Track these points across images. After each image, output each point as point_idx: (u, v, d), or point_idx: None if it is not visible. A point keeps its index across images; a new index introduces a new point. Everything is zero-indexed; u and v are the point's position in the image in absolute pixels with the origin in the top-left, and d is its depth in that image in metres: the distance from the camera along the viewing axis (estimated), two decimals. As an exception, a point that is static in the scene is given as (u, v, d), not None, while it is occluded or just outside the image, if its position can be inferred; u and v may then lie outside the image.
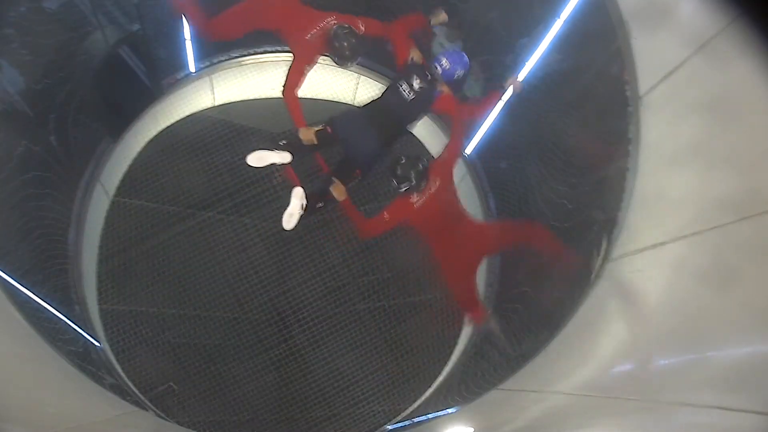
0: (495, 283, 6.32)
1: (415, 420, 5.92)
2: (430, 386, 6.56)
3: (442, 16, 4.56)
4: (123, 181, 6.55)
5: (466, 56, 4.43)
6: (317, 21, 4.52)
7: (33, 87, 5.18)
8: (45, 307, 4.84)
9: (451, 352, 6.70)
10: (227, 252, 6.60)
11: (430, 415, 5.67)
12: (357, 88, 7.03)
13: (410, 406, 6.48)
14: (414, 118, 4.48)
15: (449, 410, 5.27)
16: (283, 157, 4.25)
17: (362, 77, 6.88)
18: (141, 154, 6.69)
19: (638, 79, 3.70)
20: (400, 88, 4.31)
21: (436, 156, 4.76)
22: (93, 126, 5.84)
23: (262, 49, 6.67)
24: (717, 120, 2.98)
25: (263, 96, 7.07)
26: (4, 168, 4.90)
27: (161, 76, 6.04)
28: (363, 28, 4.51)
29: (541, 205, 5.64)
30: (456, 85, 4.41)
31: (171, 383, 6.38)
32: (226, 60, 6.56)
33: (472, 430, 4.47)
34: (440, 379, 6.51)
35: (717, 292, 2.75)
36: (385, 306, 6.94)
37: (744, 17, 2.29)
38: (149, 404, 5.90)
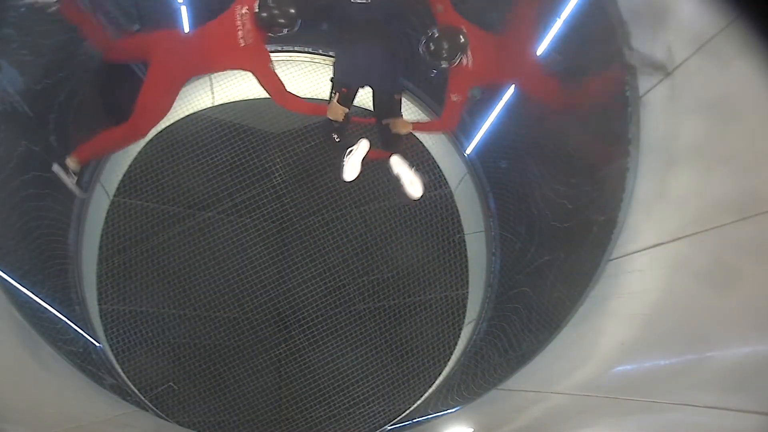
0: (495, 284, 6.32)
1: (415, 420, 5.92)
2: (430, 386, 6.56)
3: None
4: (123, 181, 6.55)
5: None
6: (230, 21, 4.04)
7: (33, 87, 5.18)
8: (45, 308, 4.83)
9: (451, 352, 6.70)
10: (227, 252, 6.61)
11: (430, 416, 5.67)
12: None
13: (410, 406, 6.48)
14: (390, 12, 4.12)
15: (449, 410, 5.27)
16: (363, 147, 4.11)
17: (362, 77, 6.88)
18: (141, 154, 6.69)
19: (638, 79, 3.70)
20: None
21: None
22: (93, 126, 5.84)
23: (262, 49, 6.67)
24: (717, 120, 2.98)
25: (263, 95, 7.05)
26: (4, 168, 4.90)
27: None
28: None
29: (541, 205, 5.64)
30: None
31: (171, 383, 6.38)
32: (226, 60, 6.57)
33: (472, 430, 4.47)
34: (440, 379, 6.51)
35: (717, 292, 2.75)
36: (385, 306, 6.94)
37: (744, 17, 2.29)
38: (149, 404, 5.90)
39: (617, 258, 3.85)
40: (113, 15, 5.28)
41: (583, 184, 4.94)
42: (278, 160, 6.75)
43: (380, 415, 6.62)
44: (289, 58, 6.76)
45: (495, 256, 6.40)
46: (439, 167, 7.19)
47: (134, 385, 5.99)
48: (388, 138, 4.16)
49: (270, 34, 3.99)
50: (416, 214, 7.10)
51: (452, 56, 3.93)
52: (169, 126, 6.80)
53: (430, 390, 6.47)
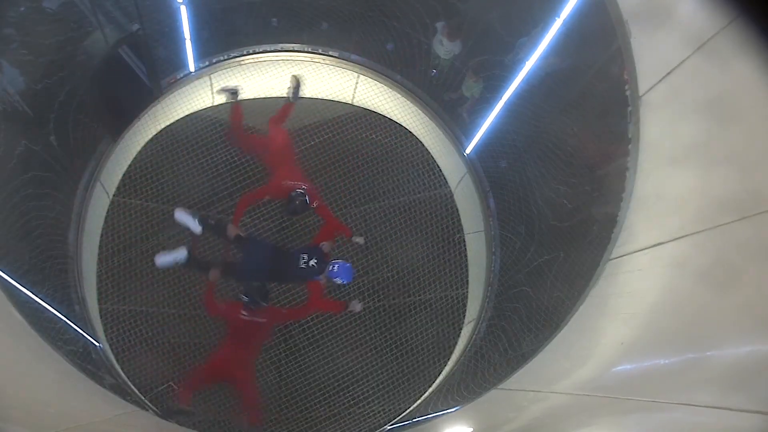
0: (495, 283, 6.32)
1: (415, 419, 5.92)
2: (429, 386, 6.56)
3: (359, 240, 6.06)
4: (123, 181, 6.55)
5: (352, 274, 5.57)
6: (294, 179, 5.77)
7: (33, 87, 5.18)
8: (45, 307, 4.84)
9: (451, 352, 6.70)
10: (227, 252, 6.59)
11: (430, 415, 5.68)
12: (356, 87, 7.04)
13: (410, 405, 6.49)
14: (293, 279, 5.90)
15: (449, 410, 5.27)
16: (195, 229, 5.41)
17: (362, 76, 6.89)
18: (141, 154, 6.69)
19: (638, 78, 3.70)
20: (301, 256, 5.50)
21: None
22: (93, 126, 5.84)
23: (261, 49, 6.68)
24: (717, 120, 2.97)
25: (262, 95, 7.07)
26: (5, 168, 4.90)
27: (161, 76, 6.04)
28: (315, 205, 5.77)
29: (541, 205, 5.65)
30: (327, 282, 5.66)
31: (171, 383, 6.38)
32: (225, 59, 6.57)
33: (472, 429, 4.47)
34: (440, 378, 6.52)
35: (717, 292, 2.75)
36: (385, 305, 6.94)
37: (744, 17, 2.28)
38: (149, 404, 5.90)
39: (617, 257, 3.85)
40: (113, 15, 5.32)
41: (582, 184, 4.95)
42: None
43: (380, 415, 6.62)
44: (289, 58, 6.77)
45: (495, 256, 6.41)
46: (438, 167, 7.20)
47: (134, 385, 5.99)
48: (208, 262, 5.60)
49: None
50: (416, 214, 7.11)
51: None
52: (169, 126, 6.80)
53: (430, 389, 6.48)
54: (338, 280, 5.52)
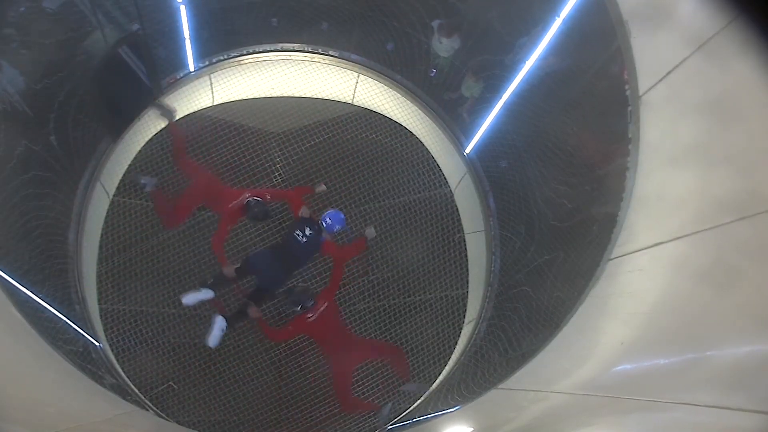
0: (495, 283, 6.32)
1: (415, 419, 5.92)
2: (430, 385, 6.56)
3: (321, 188, 6.22)
4: (123, 181, 6.55)
5: (343, 215, 5.86)
6: (237, 196, 5.96)
7: (33, 87, 5.18)
8: (45, 307, 4.84)
9: (451, 352, 6.70)
10: (227, 252, 6.59)
11: (430, 415, 5.67)
12: (356, 87, 7.04)
13: (410, 405, 6.48)
14: (307, 257, 5.85)
15: (449, 409, 5.27)
16: (207, 295, 5.55)
17: (362, 76, 6.89)
18: (141, 153, 6.69)
19: (638, 78, 3.70)
20: (296, 234, 5.69)
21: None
22: (93, 126, 5.84)
23: (261, 49, 6.68)
24: (717, 119, 2.97)
25: (262, 95, 7.07)
26: (5, 168, 4.91)
27: (161, 75, 6.04)
28: (269, 197, 6.02)
29: (541, 205, 5.65)
30: (333, 236, 5.90)
31: (171, 383, 6.38)
32: (225, 59, 6.57)
33: (472, 429, 4.47)
34: (440, 378, 6.51)
35: (716, 292, 2.75)
36: (385, 305, 6.95)
37: (744, 17, 2.28)
38: (149, 404, 5.90)
39: (617, 257, 3.85)
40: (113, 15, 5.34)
41: (582, 184, 4.95)
42: (278, 159, 6.76)
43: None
44: (289, 58, 6.77)
45: (495, 256, 6.40)
46: (438, 167, 7.20)
47: (134, 385, 6.00)
48: (240, 309, 5.66)
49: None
50: (416, 214, 7.11)
51: (299, 307, 5.61)
52: (169, 126, 6.80)
53: (430, 389, 6.47)
54: (337, 228, 5.80)
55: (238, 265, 5.69)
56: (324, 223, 5.78)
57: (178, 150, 6.29)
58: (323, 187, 6.23)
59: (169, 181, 6.69)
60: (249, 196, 5.91)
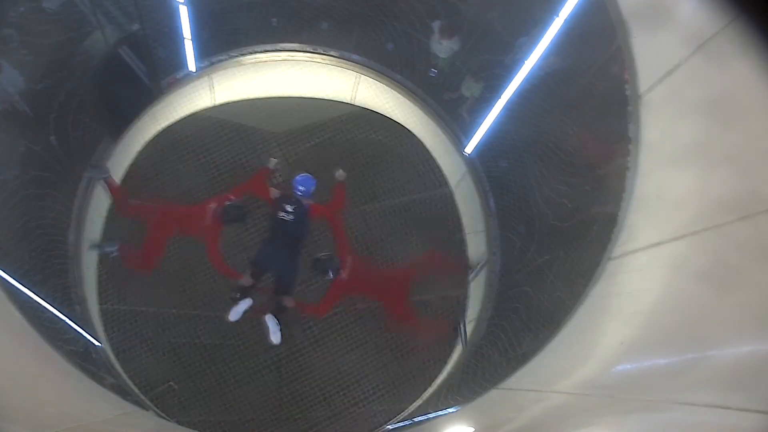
0: (495, 283, 6.32)
1: (416, 419, 5.92)
2: (430, 386, 6.56)
3: (273, 162, 6.00)
4: (123, 181, 6.54)
5: (309, 175, 5.71)
6: (203, 211, 5.77)
7: (33, 87, 5.19)
8: (45, 307, 4.84)
9: (451, 352, 6.70)
10: (227, 252, 6.59)
11: (430, 415, 5.68)
12: (357, 87, 7.04)
13: (410, 405, 6.48)
14: (302, 230, 5.78)
15: (449, 410, 5.27)
16: (249, 302, 5.64)
17: (362, 76, 6.89)
18: (141, 154, 6.69)
19: (638, 78, 3.70)
20: (281, 217, 5.64)
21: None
22: (93, 126, 5.84)
23: (261, 49, 6.68)
24: (717, 119, 2.97)
25: (262, 95, 7.08)
26: (5, 168, 4.91)
27: (161, 76, 6.05)
28: (234, 198, 5.87)
29: (541, 205, 5.65)
30: (313, 197, 5.76)
31: (171, 383, 6.38)
32: (225, 59, 6.57)
33: (473, 429, 4.47)
34: (440, 378, 6.51)
35: (716, 292, 2.74)
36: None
37: (743, 17, 2.28)
38: (149, 404, 5.90)
39: (617, 257, 3.85)
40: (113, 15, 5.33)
41: (583, 184, 4.95)
42: (278, 159, 6.75)
43: (380, 415, 6.62)
44: (289, 58, 6.77)
45: (495, 256, 6.40)
46: (439, 166, 7.20)
47: (134, 385, 6.00)
48: (276, 304, 5.76)
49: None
50: (416, 214, 7.10)
51: (330, 274, 5.64)
52: (169, 126, 6.81)
53: (431, 389, 6.47)
54: (312, 189, 5.67)
55: (250, 271, 5.71)
56: (299, 193, 5.66)
57: (118, 202, 6.09)
58: (342, 173, 5.95)
59: (169, 181, 6.69)
60: (215, 206, 5.72)
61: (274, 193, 5.79)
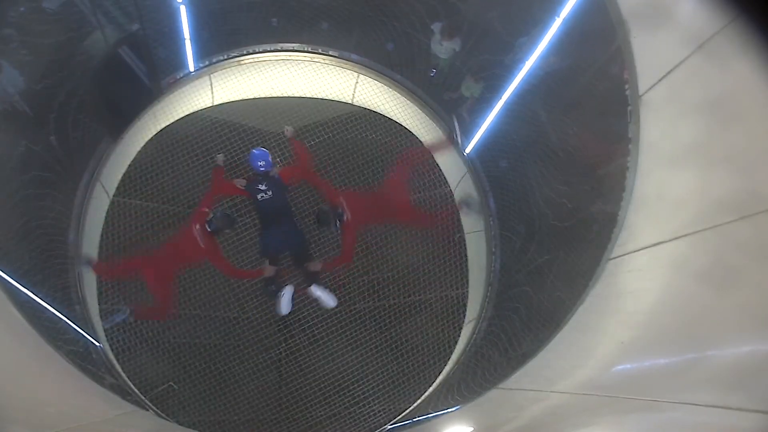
0: (495, 283, 6.32)
1: (416, 419, 5.92)
2: (430, 386, 6.56)
3: (220, 158, 6.09)
4: (123, 181, 6.55)
5: (262, 149, 5.89)
6: (192, 234, 5.66)
7: (33, 87, 5.18)
8: (45, 307, 4.84)
9: (451, 352, 6.70)
10: (227, 252, 6.60)
11: (430, 415, 5.68)
12: (356, 87, 7.04)
13: (410, 405, 6.49)
14: (285, 197, 5.91)
15: (449, 409, 5.27)
16: (291, 289, 5.85)
17: (362, 76, 6.89)
18: (141, 153, 6.69)
19: (638, 78, 3.70)
20: (261, 198, 5.74)
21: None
22: (93, 126, 5.85)
23: (261, 49, 6.68)
24: (717, 119, 2.97)
25: (262, 95, 7.07)
26: (5, 168, 4.91)
27: (161, 76, 6.05)
28: (207, 209, 5.77)
29: (541, 205, 5.65)
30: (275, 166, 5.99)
31: (171, 383, 6.38)
32: (225, 59, 6.58)
33: (472, 429, 4.47)
34: (440, 378, 6.52)
35: (716, 292, 2.75)
36: (385, 305, 6.95)
37: (743, 17, 2.28)
38: (149, 404, 5.90)
39: (617, 257, 3.85)
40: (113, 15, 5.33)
41: (582, 184, 4.95)
42: (278, 159, 6.75)
43: (380, 415, 6.62)
44: (289, 58, 6.77)
45: (495, 256, 6.40)
46: (438, 166, 7.20)
47: (134, 385, 5.99)
48: (307, 274, 5.91)
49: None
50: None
51: (336, 222, 5.70)
52: (169, 126, 6.80)
53: (431, 389, 6.48)
54: (270, 157, 5.83)
55: (267, 261, 5.83)
56: (261, 169, 5.75)
57: (108, 274, 6.21)
58: (290, 129, 6.11)
59: (169, 181, 6.69)
60: (198, 226, 5.63)
61: (241, 183, 5.87)
